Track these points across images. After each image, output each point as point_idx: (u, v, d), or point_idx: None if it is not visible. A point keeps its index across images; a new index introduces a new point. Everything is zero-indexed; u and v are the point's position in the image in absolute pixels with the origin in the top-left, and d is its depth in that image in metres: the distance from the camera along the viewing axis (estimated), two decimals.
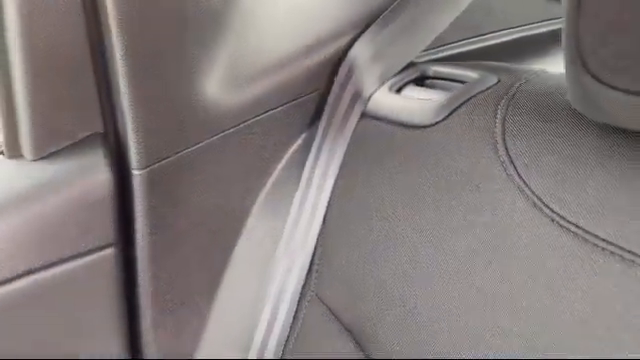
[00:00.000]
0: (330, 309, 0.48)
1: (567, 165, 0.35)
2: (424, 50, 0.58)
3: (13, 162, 0.46)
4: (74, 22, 0.42)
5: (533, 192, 0.36)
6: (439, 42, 0.61)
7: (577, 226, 0.33)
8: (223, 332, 0.55)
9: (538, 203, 0.35)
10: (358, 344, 0.45)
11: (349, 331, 0.46)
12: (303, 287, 0.51)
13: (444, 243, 0.39)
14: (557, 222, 0.34)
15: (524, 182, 0.37)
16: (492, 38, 0.68)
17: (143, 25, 0.42)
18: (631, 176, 0.33)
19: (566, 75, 0.33)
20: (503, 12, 0.73)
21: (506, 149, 0.37)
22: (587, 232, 0.33)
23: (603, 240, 0.32)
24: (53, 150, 0.45)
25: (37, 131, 0.44)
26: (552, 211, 0.35)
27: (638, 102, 0.30)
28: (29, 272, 0.46)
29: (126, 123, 0.45)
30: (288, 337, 0.51)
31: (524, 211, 0.36)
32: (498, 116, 0.39)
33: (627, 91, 0.30)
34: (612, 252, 0.32)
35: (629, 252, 0.31)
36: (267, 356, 0.51)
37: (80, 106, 0.45)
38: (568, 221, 0.34)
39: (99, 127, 0.47)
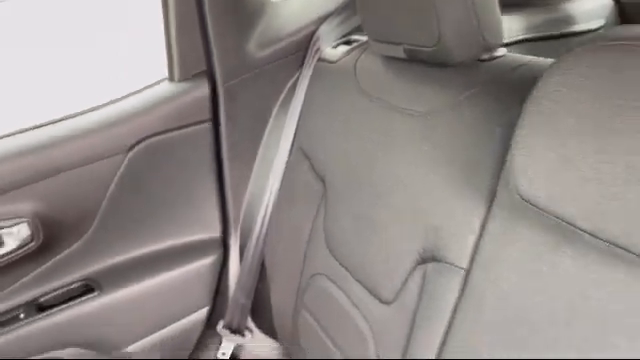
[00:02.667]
0: (303, 152, 1.04)
1: (380, 74, 0.88)
2: None
3: (169, 82, 1.07)
4: None
5: (364, 90, 0.89)
6: None
7: (397, 106, 0.84)
8: (261, 169, 1.13)
9: (366, 95, 0.88)
10: (312, 167, 1.01)
11: (307, 158, 1.02)
12: (292, 143, 1.08)
13: (351, 125, 0.93)
14: (376, 103, 0.87)
15: (360, 85, 0.90)
16: None
17: (229, 10, 1.00)
18: (403, 72, 0.85)
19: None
20: None
21: (355, 69, 0.91)
22: (405, 109, 0.83)
23: (407, 108, 0.84)
24: (187, 76, 1.06)
25: (180, 66, 1.05)
26: (373, 96, 0.87)
27: (384, 47, 0.82)
28: (162, 132, 1.05)
29: (215, 64, 1.04)
30: (286, 167, 1.08)
31: (361, 101, 0.88)
32: (358, 56, 0.93)
33: (379, 41, 0.83)
34: (408, 114, 0.82)
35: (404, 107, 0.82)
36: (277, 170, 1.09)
37: (198, 57, 1.05)
38: (385, 100, 0.86)
39: (204, 67, 1.06)
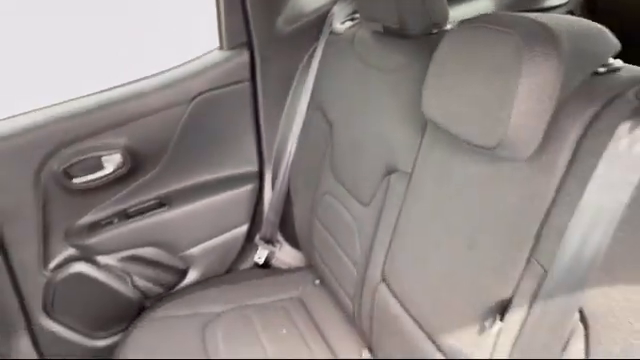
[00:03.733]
0: (317, 104, 1.38)
1: (369, 43, 1.20)
2: None
3: (219, 51, 1.42)
4: None
5: (359, 55, 1.21)
6: None
7: (377, 66, 1.16)
8: (287, 117, 1.48)
9: (360, 59, 1.21)
10: (324, 115, 1.34)
11: (320, 108, 1.35)
12: (310, 97, 1.41)
13: (350, 82, 1.26)
14: (365, 64, 1.19)
15: (356, 52, 1.22)
16: None
17: None
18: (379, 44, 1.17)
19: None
20: None
21: (354, 40, 1.23)
22: (381, 68, 1.15)
23: (382, 67, 1.16)
24: (232, 46, 1.40)
25: (227, 39, 1.39)
26: (364, 60, 1.20)
27: (371, 24, 1.14)
28: (214, 88, 1.41)
29: (253, 37, 1.38)
30: (305, 116, 1.42)
31: (356, 64, 1.21)
32: (357, 30, 1.25)
33: (367, 19, 1.15)
34: (382, 71, 1.14)
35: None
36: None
37: (241, 31, 1.39)
38: (370, 63, 1.18)
39: (245, 39, 1.41)
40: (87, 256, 1.41)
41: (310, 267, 1.48)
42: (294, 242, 1.54)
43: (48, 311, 1.40)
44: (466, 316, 0.80)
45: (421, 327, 0.92)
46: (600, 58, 0.70)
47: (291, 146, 1.46)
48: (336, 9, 1.38)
